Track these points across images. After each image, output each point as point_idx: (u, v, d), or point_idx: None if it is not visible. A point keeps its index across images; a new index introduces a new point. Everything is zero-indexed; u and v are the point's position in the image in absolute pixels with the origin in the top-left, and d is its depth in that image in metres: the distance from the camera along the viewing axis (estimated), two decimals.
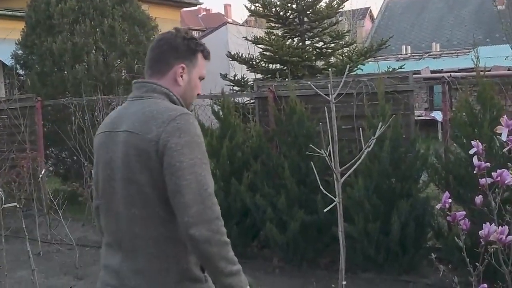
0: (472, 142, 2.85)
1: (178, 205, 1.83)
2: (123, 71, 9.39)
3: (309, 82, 6.29)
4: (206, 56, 2.16)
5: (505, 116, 2.58)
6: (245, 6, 9.45)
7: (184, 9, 35.79)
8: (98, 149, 2.07)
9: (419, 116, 15.85)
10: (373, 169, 5.19)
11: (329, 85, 4.51)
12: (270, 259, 5.88)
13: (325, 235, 5.36)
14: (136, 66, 8.26)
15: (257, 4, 9.36)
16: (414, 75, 13.32)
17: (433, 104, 17.33)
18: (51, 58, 8.99)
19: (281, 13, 9.33)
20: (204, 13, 56.86)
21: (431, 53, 21.44)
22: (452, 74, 10.50)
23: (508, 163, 2.69)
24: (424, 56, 20.94)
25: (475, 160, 2.84)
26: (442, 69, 15.68)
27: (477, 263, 2.71)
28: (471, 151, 2.87)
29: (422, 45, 25.24)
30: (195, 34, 43.14)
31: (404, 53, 22.69)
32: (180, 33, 2.12)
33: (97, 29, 9.16)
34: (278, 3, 9.28)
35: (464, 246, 2.78)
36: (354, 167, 4.74)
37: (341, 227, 4.60)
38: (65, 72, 9.02)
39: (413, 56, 21.67)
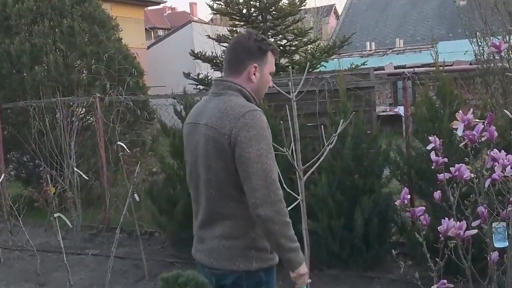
0: (430, 137, 2.85)
1: (247, 189, 2.22)
2: (84, 72, 9.21)
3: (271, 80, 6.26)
4: (275, 53, 2.54)
5: (461, 111, 2.59)
6: (208, 5, 9.38)
7: (149, 7, 35.51)
8: (186, 137, 2.50)
9: (383, 111, 16.01)
10: (336, 166, 5.20)
11: (290, 83, 4.51)
12: None
13: None
14: (94, 66, 8.05)
15: (219, 2, 9.30)
16: (377, 71, 13.46)
17: (397, 99, 17.53)
18: (9, 60, 8.75)
19: (244, 11, 9.30)
20: (170, 11, 56.50)
21: (395, 49, 21.67)
22: (416, 69, 10.63)
23: (466, 158, 2.69)
24: (388, 52, 21.15)
25: (432, 155, 2.84)
26: (405, 65, 15.87)
27: (437, 259, 2.71)
28: (429, 146, 2.88)
29: (386, 41, 25.50)
30: (159, 32, 42.82)
31: (368, 49, 22.88)
32: (252, 36, 2.46)
33: (56, 30, 8.95)
34: (240, 1, 9.25)
35: (425, 241, 2.78)
36: (317, 164, 4.75)
37: (305, 225, 4.58)
38: (24, 74, 8.80)
39: (377, 52, 21.87)
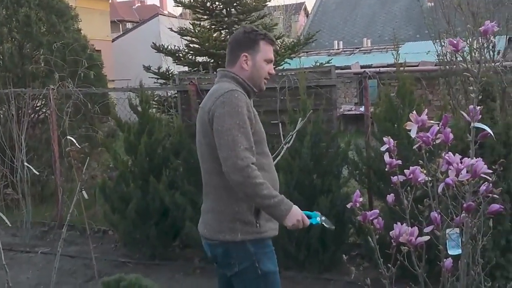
0: (384, 139, 2.73)
1: (221, 160, 2.48)
2: (42, 63, 8.88)
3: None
4: (270, 42, 2.76)
5: (414, 112, 2.47)
6: None
7: (117, 0, 34.91)
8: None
9: (349, 110, 16.04)
10: (294, 165, 5.06)
11: None
12: (192, 260, 5.66)
13: None
14: (51, 57, 7.74)
15: None
16: (342, 70, 13.42)
17: (362, 98, 17.53)
18: None
19: (208, 4, 9.09)
20: (139, 4, 55.74)
21: (362, 49, 21.74)
22: (381, 69, 10.59)
23: (420, 161, 2.58)
24: (355, 52, 21.20)
25: (386, 157, 2.72)
26: (371, 64, 15.87)
27: (389, 264, 2.59)
28: (383, 148, 2.75)
29: (355, 41, 25.58)
30: (128, 25, 42.24)
31: (336, 48, 22.90)
32: (242, 29, 2.79)
33: (13, 19, 8.62)
34: None
35: (379, 245, 2.66)
36: (274, 163, 4.62)
37: None
38: None
39: (344, 51, 21.91)
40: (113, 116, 5.93)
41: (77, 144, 4.91)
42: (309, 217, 2.77)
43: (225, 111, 2.50)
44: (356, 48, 22.42)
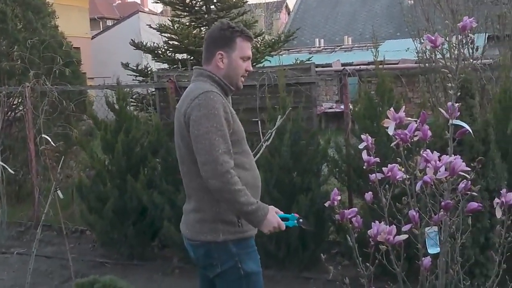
0: (362, 136, 2.69)
1: (199, 164, 2.44)
2: (19, 60, 8.70)
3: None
4: (247, 38, 2.65)
5: (392, 109, 2.43)
6: None
7: None
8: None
9: (330, 108, 16.05)
10: (274, 163, 5.02)
11: None
12: (171, 259, 5.59)
13: None
14: (26, 54, 7.59)
15: None
16: (322, 68, 13.40)
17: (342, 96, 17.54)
18: None
19: (187, 1, 8.99)
20: (119, 1, 55.23)
21: (343, 46, 21.78)
22: (362, 67, 10.61)
23: (397, 158, 2.54)
24: (336, 49, 21.24)
25: (364, 154, 2.68)
26: (352, 62, 15.89)
27: (367, 263, 2.56)
28: (361, 145, 2.71)
29: (336, 39, 25.63)
30: (108, 23, 41.88)
31: (317, 46, 22.91)
32: (218, 25, 2.67)
33: None
34: None
35: (358, 244, 2.62)
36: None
37: None
38: None
39: (325, 49, 21.93)
40: (90, 114, 5.82)
41: (52, 142, 4.80)
42: (286, 219, 2.73)
43: (202, 114, 2.43)
44: (337, 46, 22.46)
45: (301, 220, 2.86)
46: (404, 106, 2.44)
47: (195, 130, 2.44)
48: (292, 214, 2.82)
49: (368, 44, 20.60)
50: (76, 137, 5.68)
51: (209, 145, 2.40)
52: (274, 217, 2.57)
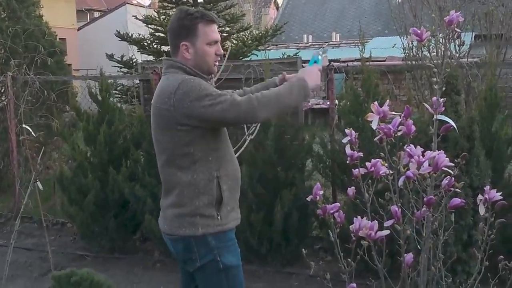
0: (346, 131, 2.65)
1: (232, 122, 2.51)
2: (2, 49, 8.56)
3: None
4: (209, 22, 2.54)
5: (376, 103, 2.39)
6: None
7: None
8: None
9: (317, 104, 16.01)
10: (258, 158, 4.97)
11: None
12: (152, 253, 5.53)
13: None
14: (11, 43, 7.46)
15: None
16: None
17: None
18: None
19: None
20: None
21: (331, 43, 21.77)
22: (349, 63, 10.58)
23: (381, 153, 2.50)
24: (323, 46, 21.19)
25: (348, 149, 2.64)
26: (340, 59, 15.86)
27: (349, 259, 2.52)
28: (344, 140, 2.67)
29: (324, 35, 25.63)
30: (96, 15, 41.50)
31: (305, 42, 22.89)
32: (177, 15, 2.56)
33: None
34: None
35: (340, 239, 2.58)
36: (236, 155, 4.51)
37: None
38: None
39: (313, 45, 21.90)
40: (72, 105, 5.73)
41: (32, 133, 4.72)
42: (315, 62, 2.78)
43: (193, 97, 2.38)
44: (325, 42, 22.44)
45: (321, 52, 2.86)
46: (388, 101, 2.40)
47: (200, 109, 2.38)
48: (315, 55, 2.82)
49: (356, 41, 20.63)
50: (58, 128, 5.57)
51: (222, 107, 2.38)
52: (310, 73, 2.62)
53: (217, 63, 2.62)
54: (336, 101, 5.47)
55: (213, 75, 2.67)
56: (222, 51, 2.64)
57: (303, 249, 2.91)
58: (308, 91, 2.57)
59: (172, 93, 2.41)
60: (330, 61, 15.92)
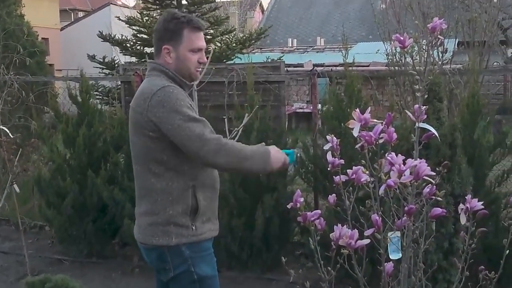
0: (327, 137, 2.61)
1: (190, 153, 2.36)
2: None
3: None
4: (195, 28, 2.47)
5: (357, 110, 2.35)
6: None
7: None
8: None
9: (301, 108, 16.02)
10: None
11: None
12: (131, 258, 5.45)
13: None
14: None
15: None
16: (296, 68, 13.36)
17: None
18: None
19: None
20: None
21: (315, 47, 21.82)
22: (333, 68, 10.59)
23: (362, 161, 2.47)
24: (308, 50, 21.27)
25: (329, 156, 2.60)
26: (324, 63, 15.90)
27: (329, 267, 2.48)
28: (326, 147, 2.64)
29: (309, 39, 25.69)
30: (80, 15, 41.21)
31: (290, 46, 22.93)
32: (163, 17, 2.51)
33: None
34: None
35: (321, 247, 2.54)
36: None
37: None
38: None
39: (297, 49, 21.95)
40: (52, 106, 5.63)
41: (10, 134, 4.62)
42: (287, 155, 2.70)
43: (167, 109, 2.33)
44: (309, 46, 22.49)
45: (298, 154, 2.86)
46: (369, 108, 2.37)
47: (169, 126, 2.34)
48: (292, 150, 2.77)
49: (340, 46, 20.70)
50: (36, 129, 5.48)
51: (192, 135, 2.32)
52: (278, 152, 2.53)
53: (200, 70, 2.57)
54: (319, 106, 5.45)
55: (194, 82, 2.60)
56: (206, 59, 2.59)
57: (283, 257, 2.87)
58: (267, 167, 2.50)
59: (149, 97, 2.37)
60: (314, 65, 15.92)
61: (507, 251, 2.28)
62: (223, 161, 2.34)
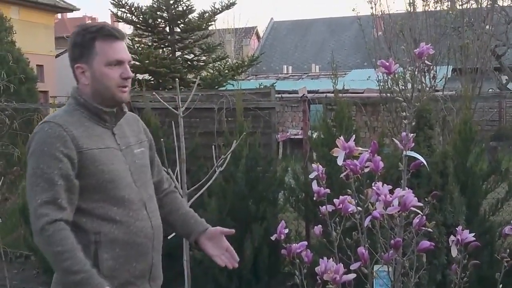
0: (313, 165, 2.53)
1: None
2: None
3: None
4: (108, 37, 2.03)
5: (341, 137, 2.27)
6: (111, 11, 8.84)
7: (69, 16, 34.18)
8: None
9: (295, 134, 15.98)
10: (228, 190, 4.81)
11: (177, 98, 4.11)
12: None
13: (177, 262, 4.89)
14: None
15: (123, 10, 8.75)
16: (290, 94, 13.34)
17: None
18: None
19: (150, 21, 8.79)
20: (90, 21, 54.84)
21: (310, 74, 21.91)
22: (327, 94, 10.55)
23: (348, 190, 2.38)
24: (303, 77, 21.34)
25: (314, 185, 2.52)
26: (318, 90, 15.92)
27: None
28: (311, 175, 2.55)
29: (304, 66, 25.83)
30: None
31: (285, 72, 23.04)
32: (73, 32, 2.08)
33: None
34: (146, 10, 8.71)
35: (306, 282, 2.45)
36: (205, 187, 4.35)
37: (186, 256, 4.16)
38: None
39: (292, 76, 22.04)
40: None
41: None
42: None
43: (32, 150, 1.95)
44: (304, 73, 22.58)
45: None
46: (354, 136, 2.29)
47: (27, 171, 1.98)
48: None
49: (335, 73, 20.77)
50: (19, 157, 5.38)
51: (29, 193, 1.93)
52: None
53: (126, 89, 2.06)
54: (310, 133, 5.37)
55: (124, 105, 2.12)
56: (131, 73, 2.10)
57: None
58: None
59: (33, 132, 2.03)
60: (308, 92, 15.86)
61: (501, 286, 2.18)
62: (41, 247, 1.95)
